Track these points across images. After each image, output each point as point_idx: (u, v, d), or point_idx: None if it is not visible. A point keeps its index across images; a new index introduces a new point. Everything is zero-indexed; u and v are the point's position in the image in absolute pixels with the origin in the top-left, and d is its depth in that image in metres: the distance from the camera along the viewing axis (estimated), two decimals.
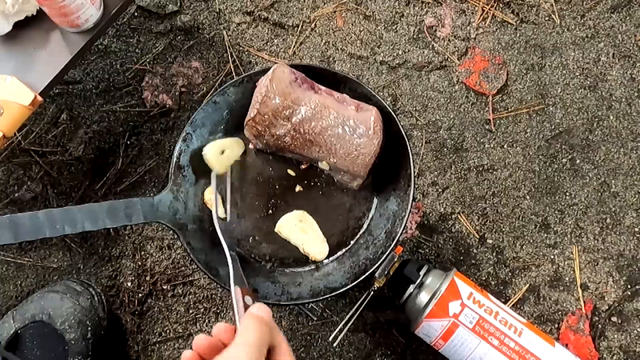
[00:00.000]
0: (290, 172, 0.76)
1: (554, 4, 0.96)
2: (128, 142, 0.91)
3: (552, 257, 0.87)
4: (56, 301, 0.75)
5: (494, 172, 0.90)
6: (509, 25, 0.96)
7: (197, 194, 0.75)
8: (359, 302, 0.77)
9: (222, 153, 0.75)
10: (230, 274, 0.62)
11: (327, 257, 0.75)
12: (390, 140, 0.73)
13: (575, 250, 0.87)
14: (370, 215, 0.75)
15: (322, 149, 0.71)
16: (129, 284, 0.86)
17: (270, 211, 0.75)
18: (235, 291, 0.58)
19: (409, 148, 0.71)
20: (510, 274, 0.86)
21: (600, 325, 0.84)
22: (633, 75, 0.93)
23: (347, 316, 0.77)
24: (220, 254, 0.74)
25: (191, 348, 0.50)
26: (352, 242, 0.75)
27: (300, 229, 0.74)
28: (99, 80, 0.93)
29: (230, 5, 0.97)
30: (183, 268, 0.86)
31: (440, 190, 0.89)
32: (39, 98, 0.74)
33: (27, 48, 0.77)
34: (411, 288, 0.76)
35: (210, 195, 0.74)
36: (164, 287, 0.86)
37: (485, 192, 0.89)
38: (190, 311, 0.85)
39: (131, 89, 0.93)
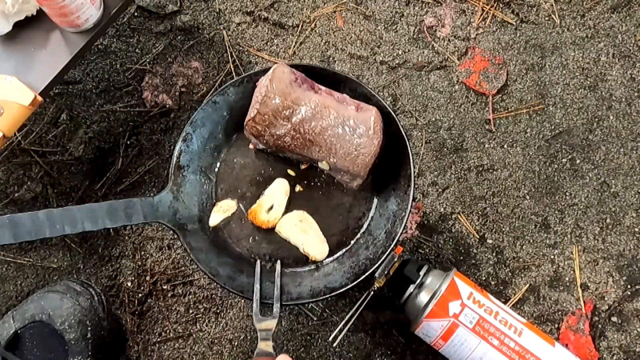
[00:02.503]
0: (290, 172, 0.76)
1: (554, 4, 0.96)
2: (128, 142, 0.91)
3: (552, 257, 0.87)
4: (56, 301, 0.75)
5: (494, 172, 0.90)
6: (509, 25, 0.96)
7: (197, 194, 0.75)
8: (359, 302, 0.77)
9: (269, 210, 0.74)
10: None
11: (327, 257, 0.75)
12: (390, 140, 0.73)
13: (575, 250, 0.87)
14: (370, 215, 0.75)
15: (322, 149, 0.71)
16: (129, 284, 0.86)
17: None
18: None
19: (409, 148, 0.71)
20: (510, 274, 0.86)
21: (600, 325, 0.84)
22: (633, 75, 0.93)
23: (347, 316, 0.77)
24: (220, 254, 0.74)
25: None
26: (352, 242, 0.75)
27: (300, 229, 0.74)
28: (99, 80, 0.93)
29: (230, 5, 0.97)
30: (183, 268, 0.86)
31: (440, 190, 0.89)
32: (39, 98, 0.74)
33: (27, 48, 0.77)
34: (411, 288, 0.76)
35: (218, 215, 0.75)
36: (164, 287, 0.86)
37: (485, 192, 0.89)
38: (190, 311, 0.85)
39: (131, 89, 0.93)
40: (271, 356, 0.65)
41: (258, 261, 0.73)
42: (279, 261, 0.73)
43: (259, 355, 0.65)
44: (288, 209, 0.75)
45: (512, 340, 0.73)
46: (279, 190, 0.74)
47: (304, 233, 0.74)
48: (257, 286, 0.70)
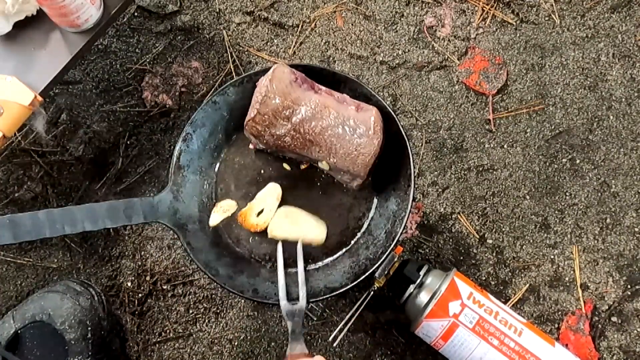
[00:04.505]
0: (286, 166, 0.76)
1: (554, 4, 0.96)
2: (128, 142, 0.91)
3: (552, 257, 0.87)
4: (56, 301, 0.75)
5: (494, 172, 0.90)
6: (509, 25, 0.96)
7: (197, 194, 0.75)
8: (359, 302, 0.77)
9: (259, 214, 0.74)
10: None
11: (328, 257, 0.75)
12: (390, 140, 0.73)
13: (575, 250, 0.87)
14: (370, 215, 0.75)
15: (322, 148, 0.70)
16: (129, 284, 0.86)
17: None
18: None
19: (409, 148, 0.71)
20: (510, 274, 0.86)
21: (600, 325, 0.84)
22: (633, 75, 0.93)
23: (347, 316, 0.77)
24: (220, 254, 0.74)
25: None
26: (352, 242, 0.75)
27: (290, 223, 0.73)
28: (99, 80, 0.93)
29: (230, 5, 0.97)
30: (183, 268, 0.86)
31: (440, 190, 0.89)
32: (39, 98, 0.74)
33: (27, 48, 0.77)
34: (411, 288, 0.76)
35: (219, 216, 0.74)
36: (164, 287, 0.86)
37: (485, 192, 0.89)
38: (190, 311, 0.85)
39: (131, 89, 0.93)
40: (306, 354, 0.63)
41: (279, 243, 0.72)
42: (300, 241, 0.72)
43: (292, 351, 0.64)
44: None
45: (512, 340, 0.73)
46: (270, 194, 0.74)
47: (296, 225, 0.73)
48: (281, 270, 0.69)
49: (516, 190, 0.89)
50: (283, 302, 0.68)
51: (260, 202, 0.74)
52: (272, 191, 0.74)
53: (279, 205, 0.74)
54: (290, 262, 0.74)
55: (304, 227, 0.73)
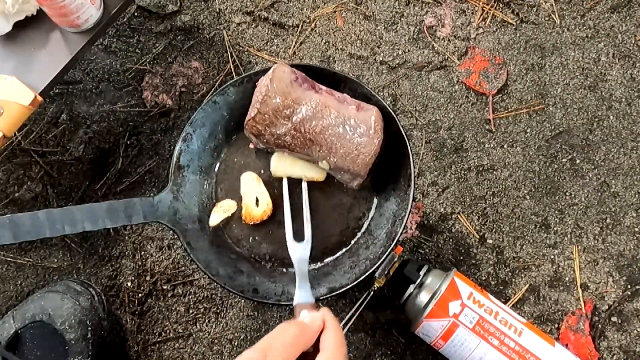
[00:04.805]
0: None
1: (554, 4, 0.96)
2: (128, 142, 0.91)
3: (552, 257, 0.87)
4: (56, 301, 0.75)
5: (494, 172, 0.90)
6: (509, 25, 0.96)
7: (197, 194, 0.75)
8: (359, 302, 0.77)
9: (257, 203, 0.75)
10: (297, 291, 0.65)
11: (328, 257, 0.75)
12: (390, 140, 0.73)
13: (575, 250, 0.87)
14: (370, 215, 0.75)
15: (322, 148, 0.71)
16: (129, 284, 0.86)
17: None
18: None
19: (409, 148, 0.71)
20: (510, 274, 0.86)
21: (600, 325, 0.84)
22: (633, 75, 0.93)
23: (347, 316, 0.77)
24: (220, 254, 0.74)
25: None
26: (352, 242, 0.75)
27: (291, 162, 0.74)
28: (99, 80, 0.93)
29: (230, 5, 0.97)
30: (183, 268, 0.86)
31: (440, 190, 0.89)
32: (39, 98, 0.74)
33: (27, 48, 0.77)
34: (411, 288, 0.76)
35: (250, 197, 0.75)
36: (164, 287, 0.86)
37: (485, 192, 0.89)
38: (190, 311, 0.85)
39: (131, 89, 0.93)
40: (312, 304, 0.63)
41: (284, 179, 0.73)
42: (304, 178, 0.73)
43: (299, 300, 0.63)
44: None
45: (512, 340, 0.73)
46: (250, 183, 0.75)
47: (296, 164, 0.74)
48: (287, 208, 0.70)
49: (516, 190, 0.89)
50: (290, 241, 0.68)
51: (248, 195, 0.74)
52: (250, 180, 0.75)
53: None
54: (289, 262, 0.74)
55: (304, 165, 0.74)
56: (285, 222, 0.71)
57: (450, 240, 0.87)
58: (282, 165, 0.74)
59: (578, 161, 0.90)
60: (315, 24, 0.96)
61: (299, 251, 0.69)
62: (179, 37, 0.95)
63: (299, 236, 0.71)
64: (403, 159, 0.72)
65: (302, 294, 0.64)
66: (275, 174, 0.75)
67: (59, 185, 0.89)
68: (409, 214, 0.70)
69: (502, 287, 0.86)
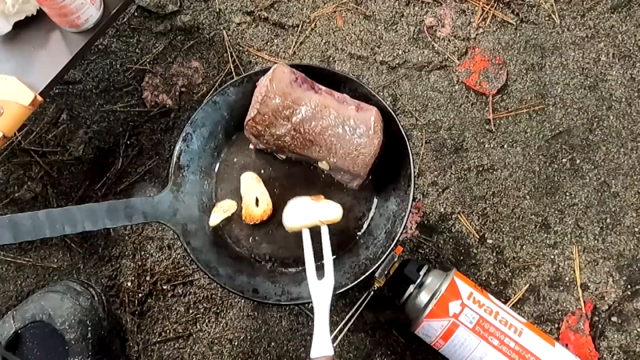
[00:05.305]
0: (290, 171, 0.76)
1: (554, 4, 0.96)
2: (128, 142, 0.91)
3: (552, 257, 0.87)
4: (56, 301, 0.75)
5: (494, 172, 0.90)
6: (509, 25, 0.96)
7: (197, 194, 0.75)
8: (359, 302, 0.77)
9: (257, 203, 0.73)
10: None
11: None
12: (390, 140, 0.73)
13: (575, 250, 0.87)
14: (370, 215, 0.75)
15: (322, 148, 0.70)
16: (129, 284, 0.86)
17: None
18: None
19: (409, 148, 0.71)
20: (510, 274, 0.86)
21: (600, 325, 0.84)
22: (633, 75, 0.93)
23: (347, 316, 0.77)
24: (220, 254, 0.74)
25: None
26: (352, 242, 0.75)
27: (303, 211, 0.70)
28: (99, 80, 0.93)
29: (230, 5, 0.97)
30: (183, 268, 0.86)
31: (440, 190, 0.89)
32: (39, 98, 0.74)
33: (27, 48, 0.77)
34: (411, 288, 0.76)
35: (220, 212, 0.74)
36: (164, 287, 0.86)
37: (485, 192, 0.89)
38: (190, 311, 0.85)
39: (131, 89, 0.93)
40: (331, 357, 0.55)
41: (305, 231, 0.69)
42: (322, 225, 0.68)
43: (316, 354, 0.54)
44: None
45: (512, 340, 0.73)
46: (250, 183, 0.74)
47: (309, 211, 0.70)
48: (308, 245, 0.65)
49: (516, 190, 0.89)
50: (312, 280, 0.61)
51: (248, 195, 0.74)
52: (250, 180, 0.75)
53: (285, 199, 0.73)
54: (290, 262, 0.74)
55: (318, 210, 0.70)
56: (307, 259, 0.66)
57: (450, 240, 0.87)
58: (294, 218, 0.70)
59: (578, 161, 0.90)
60: (315, 24, 0.96)
61: (320, 290, 0.62)
62: (179, 37, 0.95)
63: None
64: (403, 159, 0.72)
65: (320, 347, 0.54)
66: (291, 230, 0.70)
67: (59, 185, 0.89)
68: (409, 214, 0.70)
69: (502, 287, 0.86)
